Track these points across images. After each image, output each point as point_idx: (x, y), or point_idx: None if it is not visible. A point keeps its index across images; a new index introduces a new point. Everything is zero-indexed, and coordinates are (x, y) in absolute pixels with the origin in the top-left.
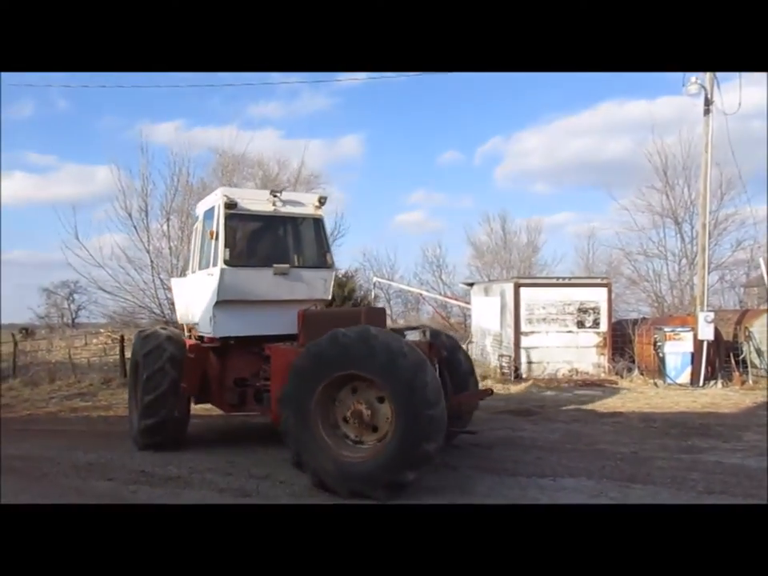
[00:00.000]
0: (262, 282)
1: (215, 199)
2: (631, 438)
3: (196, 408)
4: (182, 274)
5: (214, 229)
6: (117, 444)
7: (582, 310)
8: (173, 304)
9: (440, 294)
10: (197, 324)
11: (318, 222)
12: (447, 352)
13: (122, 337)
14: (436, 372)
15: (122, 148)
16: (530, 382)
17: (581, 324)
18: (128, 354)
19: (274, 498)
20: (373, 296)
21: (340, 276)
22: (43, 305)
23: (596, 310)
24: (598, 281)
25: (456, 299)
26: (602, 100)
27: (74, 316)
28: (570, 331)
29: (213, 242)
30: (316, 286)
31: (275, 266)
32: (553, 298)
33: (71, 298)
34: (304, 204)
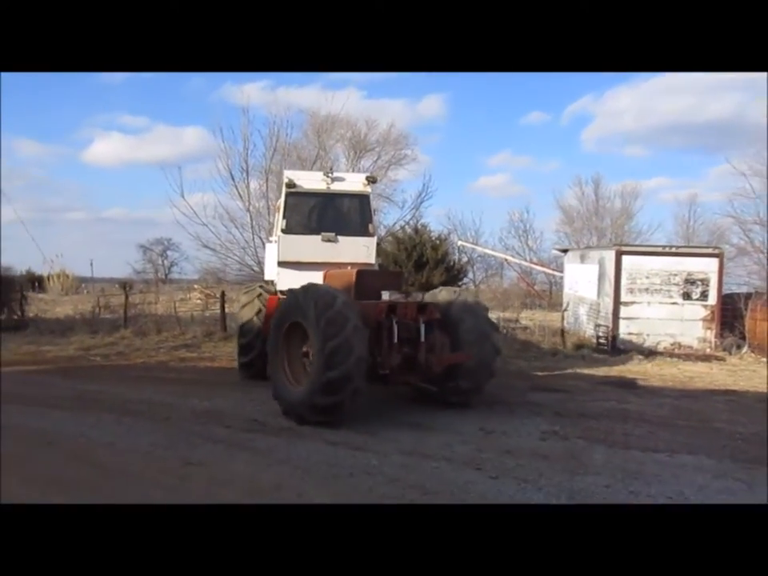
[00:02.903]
0: (312, 247)
1: (282, 180)
2: (749, 418)
3: None
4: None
5: (278, 204)
6: (227, 393)
7: (690, 281)
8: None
9: (525, 260)
10: (272, 280)
11: (363, 198)
12: (443, 314)
13: (223, 293)
14: (421, 329)
15: (210, 109)
16: (630, 354)
17: (687, 296)
18: (229, 310)
19: (384, 453)
20: (457, 259)
21: (433, 239)
22: (140, 261)
23: (705, 282)
24: (709, 251)
25: (542, 266)
26: None
27: (167, 272)
28: (674, 303)
29: (277, 214)
30: (359, 251)
31: (323, 233)
32: (657, 267)
33: (165, 255)
34: (352, 182)
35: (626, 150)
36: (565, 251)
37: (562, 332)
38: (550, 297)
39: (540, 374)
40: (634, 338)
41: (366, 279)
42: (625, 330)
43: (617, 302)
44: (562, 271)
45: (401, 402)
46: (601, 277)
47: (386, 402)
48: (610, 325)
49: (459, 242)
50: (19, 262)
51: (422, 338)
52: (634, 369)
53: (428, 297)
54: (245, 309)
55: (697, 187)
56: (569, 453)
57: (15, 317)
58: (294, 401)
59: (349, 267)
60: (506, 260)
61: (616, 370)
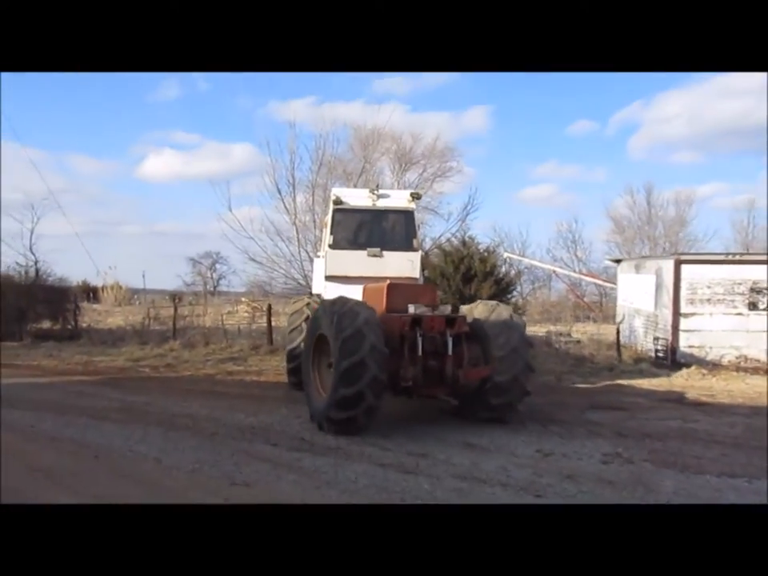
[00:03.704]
0: (359, 262)
1: (330, 196)
2: None
3: None
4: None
5: (326, 220)
6: (273, 409)
7: (755, 290)
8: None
9: (575, 272)
10: (320, 294)
11: (408, 214)
12: (474, 328)
13: (270, 306)
14: (449, 342)
15: (257, 125)
16: (692, 368)
17: (753, 306)
18: (275, 323)
19: (436, 477)
20: (506, 272)
21: (481, 251)
22: (189, 273)
23: None
24: None
25: (593, 276)
26: None
27: (215, 284)
28: (739, 313)
29: (325, 230)
30: (404, 265)
31: (369, 249)
32: (720, 276)
33: (213, 268)
34: (397, 199)
35: (677, 156)
36: (618, 261)
37: (618, 346)
38: (601, 309)
39: (596, 389)
40: (695, 351)
41: (398, 292)
42: (685, 342)
43: (676, 314)
44: (613, 282)
45: (451, 420)
46: (658, 287)
47: (436, 420)
48: (670, 337)
49: (506, 254)
50: (75, 273)
51: (449, 351)
52: (698, 384)
53: (464, 310)
54: (293, 333)
55: (754, 192)
56: (635, 478)
57: (69, 326)
58: (318, 410)
59: (388, 281)
60: (554, 271)
61: (678, 386)
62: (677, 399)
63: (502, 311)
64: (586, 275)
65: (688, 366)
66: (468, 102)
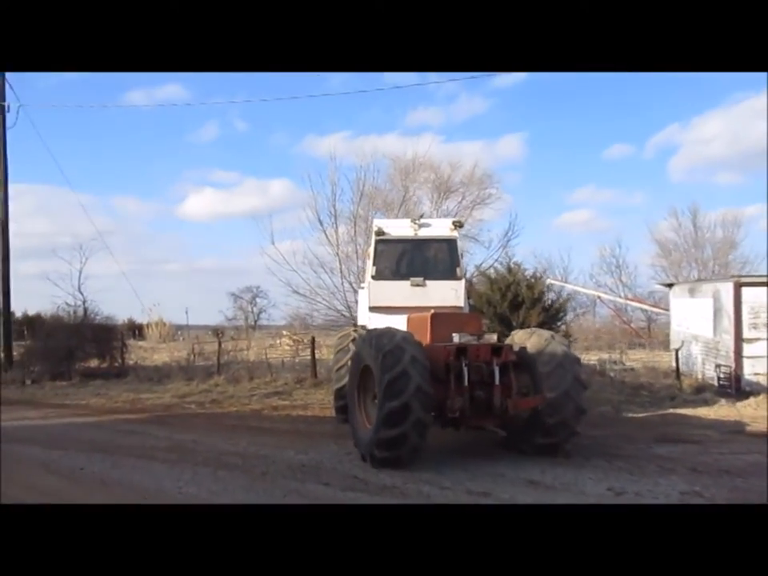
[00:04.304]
0: (402, 292)
1: (372, 228)
2: None
3: None
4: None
5: (368, 251)
6: (322, 445)
7: None
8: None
9: (620, 297)
10: (364, 325)
11: (450, 242)
12: (520, 356)
13: (313, 338)
14: (495, 371)
15: (295, 161)
16: (760, 397)
17: None
18: (318, 356)
19: None
20: (555, 298)
21: (528, 277)
22: (230, 308)
23: None
24: None
25: (639, 301)
26: None
27: (256, 318)
28: None
29: (368, 261)
30: (447, 294)
31: (412, 278)
32: None
33: (254, 302)
34: (439, 228)
35: (719, 178)
36: (669, 285)
37: (678, 373)
38: (650, 335)
39: (658, 420)
40: (761, 379)
41: (442, 322)
42: (750, 369)
43: (738, 339)
44: (661, 307)
45: (506, 453)
46: (717, 312)
47: (489, 453)
48: (733, 364)
49: (549, 281)
50: (121, 311)
51: (496, 381)
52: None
53: (507, 340)
54: (339, 353)
55: None
56: None
57: (116, 364)
58: (363, 441)
59: (432, 311)
60: (598, 297)
61: (748, 416)
62: (749, 431)
63: (543, 333)
64: (633, 300)
65: (755, 394)
66: (501, 130)
